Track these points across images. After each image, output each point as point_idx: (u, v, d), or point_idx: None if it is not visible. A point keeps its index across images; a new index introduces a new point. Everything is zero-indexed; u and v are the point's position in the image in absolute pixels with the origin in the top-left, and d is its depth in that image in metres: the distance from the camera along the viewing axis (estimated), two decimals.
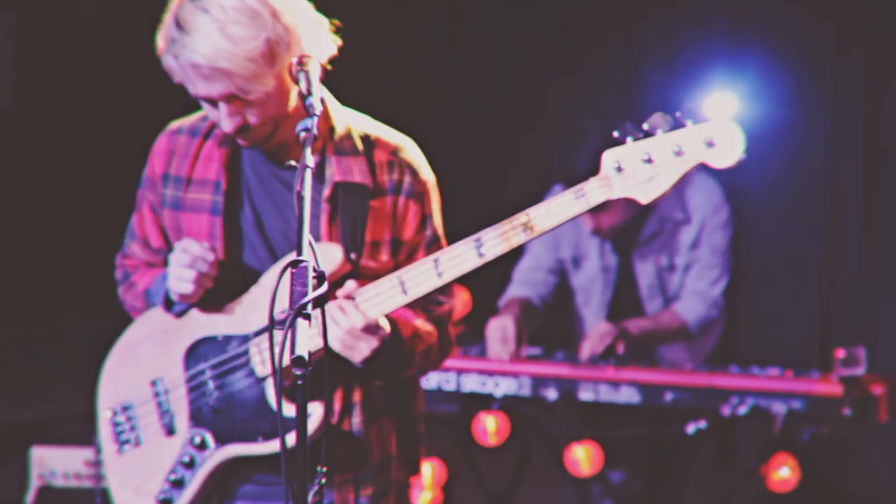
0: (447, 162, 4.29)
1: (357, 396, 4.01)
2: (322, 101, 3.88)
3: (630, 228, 6.57)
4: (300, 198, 3.27)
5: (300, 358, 2.93)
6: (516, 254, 6.87)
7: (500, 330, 6.38)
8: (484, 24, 8.01)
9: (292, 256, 3.68)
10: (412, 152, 4.07)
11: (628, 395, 6.12)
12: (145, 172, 4.18)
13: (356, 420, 4.01)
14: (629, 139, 3.72)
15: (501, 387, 6.26)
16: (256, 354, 3.98)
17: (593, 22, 7.79)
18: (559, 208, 3.75)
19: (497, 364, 6.30)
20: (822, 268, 7.50)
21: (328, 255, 3.86)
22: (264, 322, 3.95)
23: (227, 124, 3.79)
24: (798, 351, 7.16)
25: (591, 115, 7.06)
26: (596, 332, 6.34)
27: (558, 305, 6.90)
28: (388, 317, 3.91)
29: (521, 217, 3.75)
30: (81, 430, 5.82)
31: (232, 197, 4.02)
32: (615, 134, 3.75)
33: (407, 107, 7.96)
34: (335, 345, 3.83)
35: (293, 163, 3.41)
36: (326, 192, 3.93)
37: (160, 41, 3.80)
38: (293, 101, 3.87)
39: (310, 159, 3.36)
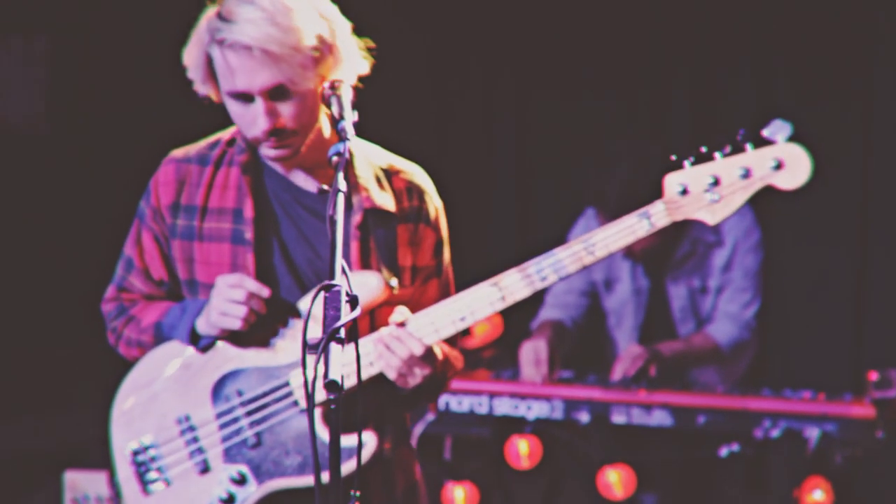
0: (474, 188, 4.28)
1: (388, 421, 4.01)
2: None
3: (662, 251, 6.58)
4: (333, 222, 3.27)
5: (334, 382, 2.94)
6: None
7: (533, 353, 6.38)
8: (508, 50, 8.02)
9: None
10: (424, 179, 4.10)
11: (661, 419, 6.11)
12: (146, 203, 4.10)
13: (387, 446, 4.00)
14: (686, 163, 3.76)
15: (534, 410, 6.26)
16: (299, 387, 3.91)
17: (621, 46, 7.79)
18: (624, 231, 3.79)
19: (529, 387, 6.30)
20: (854, 290, 7.47)
21: (367, 284, 3.84)
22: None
23: (263, 122, 3.75)
24: (831, 374, 7.14)
25: (620, 138, 7.08)
26: (628, 354, 6.34)
27: (591, 328, 6.91)
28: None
29: (587, 241, 3.80)
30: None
31: (258, 225, 3.97)
32: (673, 157, 3.78)
33: (436, 134, 8.01)
34: (390, 373, 3.83)
35: (325, 187, 3.42)
36: (357, 218, 3.92)
37: (194, 38, 3.81)
38: (320, 119, 3.90)
39: (342, 183, 3.37)
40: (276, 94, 3.75)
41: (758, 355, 6.91)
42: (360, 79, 3.90)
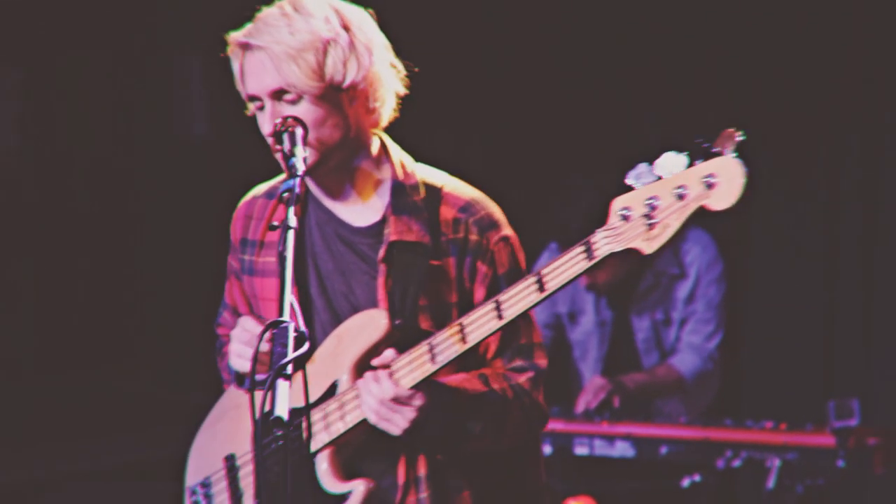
0: None
1: (423, 470, 3.79)
2: (384, 153, 3.88)
3: (625, 284, 6.63)
4: (282, 258, 3.28)
5: (279, 419, 2.97)
6: None
7: None
8: (473, 84, 8.06)
9: (345, 322, 3.75)
10: (486, 208, 3.90)
11: (623, 450, 6.15)
12: (230, 239, 4.09)
13: (423, 496, 3.77)
14: (640, 184, 3.38)
15: None
16: (304, 428, 3.72)
17: (585, 78, 7.85)
18: (568, 264, 3.48)
19: None
20: (816, 322, 7.52)
21: (373, 322, 3.73)
22: (315, 394, 3.72)
23: (267, 126, 3.71)
24: (800, 405, 7.18)
25: (583, 171, 7.13)
26: (591, 386, 6.38)
27: (555, 360, 6.93)
28: (442, 385, 3.70)
29: (534, 277, 3.51)
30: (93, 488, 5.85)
31: (298, 259, 3.85)
32: (627, 180, 3.41)
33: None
34: (370, 416, 3.65)
35: (276, 223, 3.41)
36: (381, 252, 3.79)
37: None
38: (354, 134, 3.80)
39: (293, 220, 3.36)
40: (285, 96, 3.70)
41: (727, 386, 6.96)
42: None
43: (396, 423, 3.63)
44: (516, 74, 7.96)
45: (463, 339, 3.60)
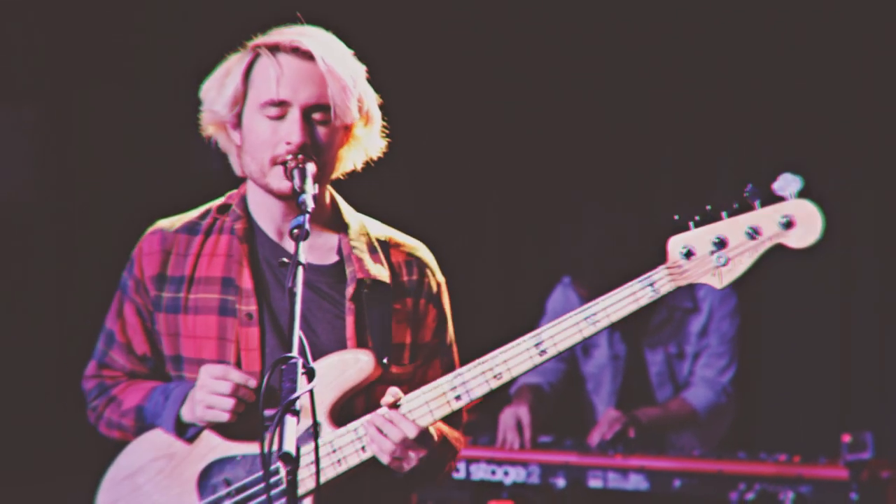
0: (457, 261, 4.26)
1: None
2: (333, 199, 3.93)
3: (639, 317, 6.62)
4: (292, 294, 3.27)
5: (288, 455, 2.98)
6: None
7: (514, 418, 6.42)
8: (484, 118, 8.09)
9: (319, 362, 3.69)
10: (427, 254, 4.00)
11: (637, 482, 6.14)
12: (128, 274, 3.95)
13: None
14: (691, 224, 3.56)
15: (511, 475, 6.30)
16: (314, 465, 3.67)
17: (599, 111, 7.87)
18: (627, 299, 3.57)
19: (506, 452, 6.33)
20: (831, 356, 7.52)
21: (358, 362, 3.72)
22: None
23: (297, 134, 3.67)
24: (814, 438, 7.17)
25: (592, 204, 7.15)
26: (606, 419, 6.38)
27: (568, 393, 6.95)
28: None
29: (588, 311, 3.59)
30: None
31: (261, 295, 3.83)
32: (675, 217, 3.57)
33: (417, 209, 8.05)
34: (383, 457, 3.66)
35: (286, 260, 3.41)
36: (350, 290, 3.81)
37: (231, 59, 3.81)
38: (335, 172, 3.86)
39: (302, 255, 3.35)
40: (315, 113, 3.71)
41: (742, 419, 6.96)
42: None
43: (409, 461, 3.68)
44: (525, 111, 7.99)
45: (496, 377, 3.66)
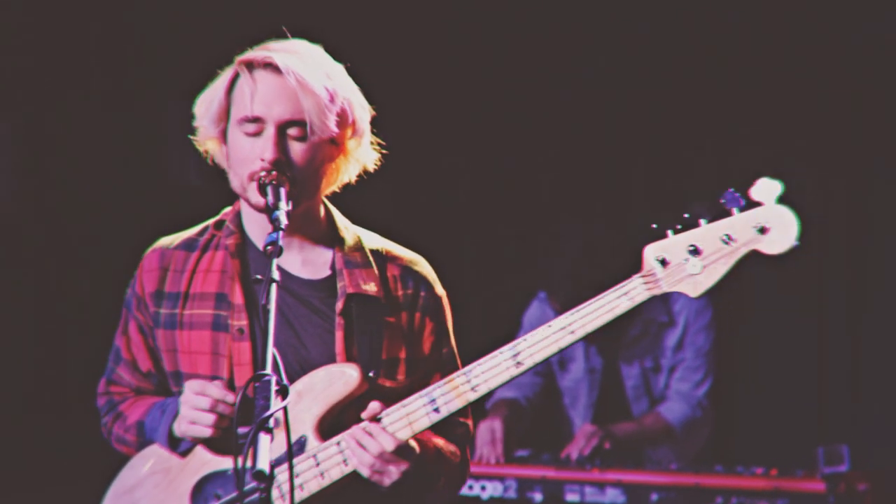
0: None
1: None
2: (328, 213, 3.92)
3: (614, 331, 6.63)
4: (265, 311, 3.26)
5: (261, 472, 2.96)
6: None
7: (489, 433, 6.41)
8: (458, 132, 8.09)
9: (304, 378, 3.71)
10: (425, 267, 3.98)
11: (614, 496, 6.14)
12: (131, 292, 3.98)
13: None
14: (669, 232, 3.52)
15: (488, 489, 6.29)
16: (275, 488, 3.68)
17: (574, 127, 7.88)
18: (603, 309, 3.55)
19: (483, 467, 6.32)
20: (807, 370, 7.54)
21: (344, 376, 3.71)
22: (277, 451, 3.60)
23: (270, 151, 3.65)
24: (791, 451, 7.18)
25: (567, 219, 7.16)
26: (582, 434, 6.38)
27: (545, 407, 6.94)
28: (419, 437, 3.74)
29: (564, 321, 3.58)
30: None
31: (252, 311, 3.83)
32: (654, 226, 3.55)
33: (393, 222, 8.03)
34: (363, 470, 3.65)
35: (259, 277, 3.38)
36: (339, 305, 3.80)
37: (220, 77, 3.78)
38: (324, 188, 3.83)
39: (275, 273, 3.33)
40: (291, 129, 3.69)
41: (713, 433, 6.96)
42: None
43: (391, 475, 3.66)
44: (501, 126, 7.99)
45: (473, 389, 3.65)
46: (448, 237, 8.10)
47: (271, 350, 3.20)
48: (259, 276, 3.39)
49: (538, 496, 6.23)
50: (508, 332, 6.83)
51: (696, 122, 7.72)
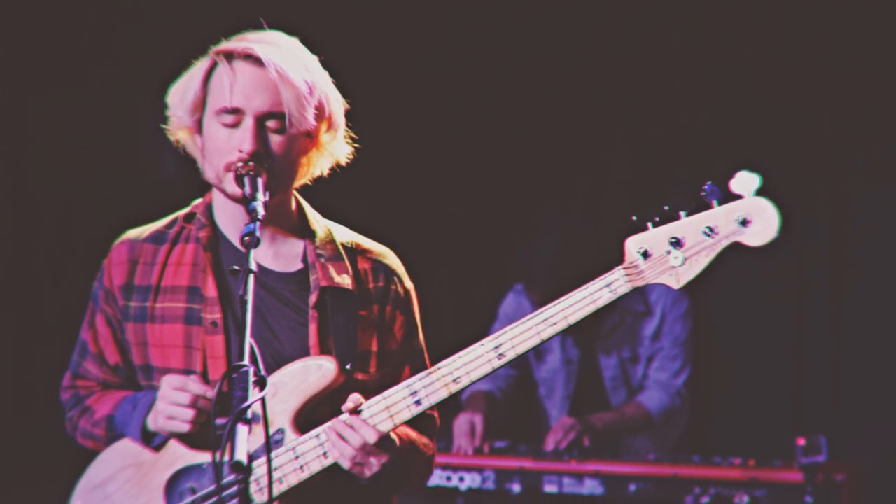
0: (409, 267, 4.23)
1: None
2: (299, 205, 3.91)
3: (592, 322, 6.63)
4: (243, 302, 3.25)
5: (239, 463, 2.96)
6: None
7: (468, 425, 6.41)
8: (435, 126, 8.09)
9: (280, 371, 3.69)
10: (394, 260, 3.99)
11: (592, 487, 6.14)
12: (98, 284, 3.95)
13: None
14: (649, 224, 3.54)
15: (466, 480, 6.28)
16: (253, 481, 3.68)
17: (553, 117, 7.88)
18: (584, 301, 3.56)
19: (461, 458, 6.32)
20: (786, 360, 7.56)
21: (321, 369, 3.70)
22: (255, 444, 3.63)
23: (248, 142, 3.64)
24: (768, 441, 7.20)
25: (545, 211, 7.16)
26: (560, 426, 6.38)
27: (522, 398, 6.95)
28: (397, 430, 3.74)
29: (546, 313, 3.59)
30: None
31: (226, 302, 3.81)
32: (633, 218, 3.55)
33: (369, 214, 8.01)
34: (344, 462, 3.65)
35: (237, 268, 3.37)
36: (313, 298, 3.80)
37: (194, 66, 3.76)
38: (298, 180, 3.83)
39: (253, 264, 3.33)
40: (270, 121, 3.68)
41: (691, 423, 6.97)
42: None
43: (370, 467, 3.67)
44: (478, 118, 7.98)
45: (455, 381, 3.65)
46: (424, 228, 8.10)
47: (249, 341, 3.19)
48: (237, 267, 3.38)
49: (516, 487, 6.23)
50: (484, 323, 6.85)
51: (674, 114, 7.73)
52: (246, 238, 3.42)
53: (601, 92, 7.74)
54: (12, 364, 7.34)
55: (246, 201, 3.57)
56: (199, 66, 3.76)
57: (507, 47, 7.83)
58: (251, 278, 3.31)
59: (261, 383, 3.14)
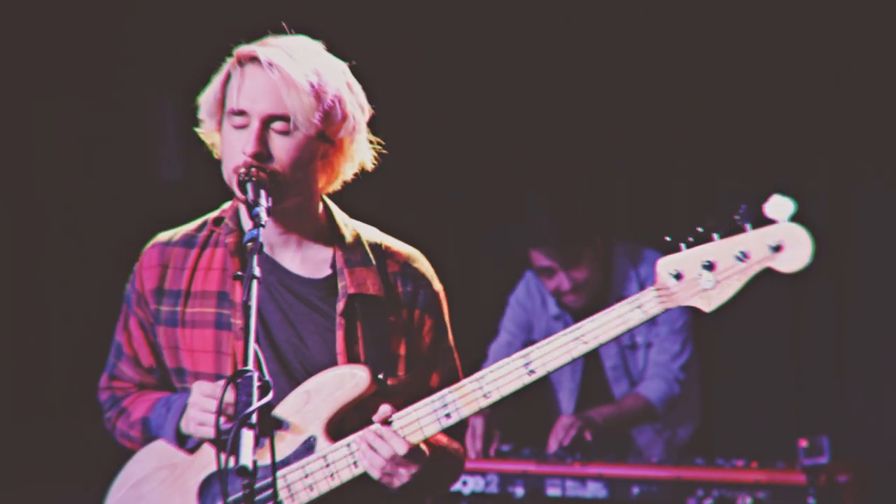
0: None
1: None
2: (327, 209, 3.92)
3: (590, 309, 6.63)
4: (247, 308, 3.27)
5: (244, 468, 2.97)
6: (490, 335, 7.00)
7: (469, 428, 6.42)
8: (440, 123, 8.10)
9: (313, 379, 3.73)
10: (423, 263, 4.00)
11: (595, 490, 6.14)
12: (131, 288, 4.00)
13: None
14: (682, 245, 3.56)
15: (469, 484, 6.28)
16: (283, 487, 3.74)
17: (560, 114, 7.89)
18: (616, 321, 3.61)
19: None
20: (787, 361, 7.56)
21: (354, 378, 3.74)
22: (286, 451, 3.73)
23: (251, 145, 3.66)
24: (771, 443, 7.20)
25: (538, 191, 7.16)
26: (560, 425, 6.38)
27: (529, 392, 6.95)
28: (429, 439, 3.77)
29: (577, 331, 3.62)
30: None
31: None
32: (667, 239, 3.58)
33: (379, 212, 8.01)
34: (374, 473, 3.69)
35: (240, 273, 3.39)
36: (340, 305, 3.82)
37: (220, 71, 3.79)
38: (316, 186, 3.83)
39: (256, 269, 3.35)
40: (275, 124, 3.69)
41: (701, 426, 6.99)
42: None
43: (399, 477, 3.70)
44: (483, 114, 7.99)
45: (485, 396, 3.68)
46: (430, 223, 8.11)
47: (252, 346, 3.23)
48: (240, 273, 3.42)
49: (519, 491, 6.23)
50: (494, 316, 6.89)
51: (682, 119, 7.74)
52: (249, 244, 3.44)
53: (613, 96, 7.77)
54: (52, 366, 7.37)
55: (249, 207, 3.59)
56: (222, 70, 3.81)
57: (508, 39, 7.84)
58: (255, 284, 3.33)
59: (265, 388, 3.15)
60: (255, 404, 3.08)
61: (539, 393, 7.01)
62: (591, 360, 6.81)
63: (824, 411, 7.40)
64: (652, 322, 6.65)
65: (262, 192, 3.61)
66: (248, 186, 3.63)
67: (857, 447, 6.77)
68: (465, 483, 6.28)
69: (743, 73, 7.50)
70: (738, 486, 6.02)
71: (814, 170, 7.49)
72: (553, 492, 6.20)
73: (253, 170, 3.65)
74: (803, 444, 5.93)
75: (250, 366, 3.17)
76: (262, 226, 3.51)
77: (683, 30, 7.56)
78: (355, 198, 4.07)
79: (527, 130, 7.93)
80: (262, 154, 3.67)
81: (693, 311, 6.58)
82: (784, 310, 7.59)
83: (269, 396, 3.13)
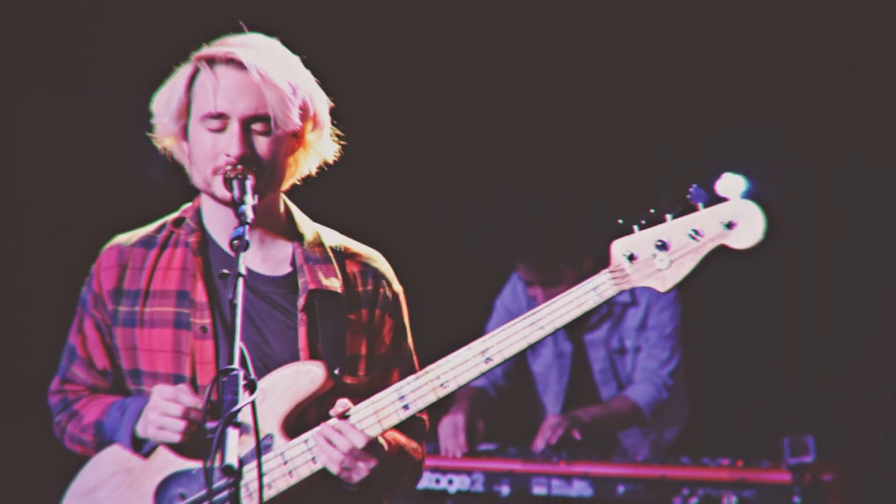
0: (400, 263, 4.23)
1: None
2: (287, 208, 3.91)
3: (571, 323, 6.63)
4: (233, 306, 3.26)
5: (229, 467, 2.96)
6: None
7: (451, 426, 6.41)
8: (424, 117, 8.09)
9: (268, 376, 3.69)
10: (383, 264, 3.99)
11: (581, 489, 6.14)
12: (87, 289, 3.96)
13: None
14: (635, 227, 3.54)
15: (455, 483, 6.28)
16: (242, 486, 3.61)
17: (543, 113, 7.89)
18: (570, 305, 3.57)
19: (450, 460, 6.32)
20: (773, 361, 7.58)
21: (310, 374, 3.71)
22: (243, 451, 3.51)
23: (236, 146, 3.65)
24: (756, 442, 7.22)
25: (538, 196, 7.17)
26: (548, 425, 6.38)
27: (519, 393, 6.96)
28: (387, 434, 3.75)
29: (533, 316, 3.60)
30: None
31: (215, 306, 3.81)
32: (619, 221, 3.56)
33: (360, 211, 8.01)
34: (333, 467, 3.65)
35: (226, 271, 3.38)
36: (301, 301, 3.80)
37: (177, 73, 3.76)
38: (285, 180, 3.83)
39: (242, 267, 3.34)
40: (255, 124, 3.68)
41: (688, 425, 7.00)
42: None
43: (360, 471, 3.67)
44: (466, 109, 7.99)
45: (442, 385, 3.65)
46: (414, 222, 8.12)
47: (239, 345, 3.20)
48: (226, 271, 3.39)
49: (505, 489, 6.23)
50: (480, 319, 6.88)
51: (663, 112, 7.75)
52: (235, 241, 3.43)
53: (592, 82, 7.77)
54: (4, 369, 7.33)
55: (235, 205, 3.58)
56: (182, 73, 3.77)
57: (494, 33, 7.85)
58: (240, 282, 3.32)
59: (251, 387, 3.14)
60: (241, 403, 3.06)
61: (525, 394, 7.00)
62: (578, 364, 6.81)
63: (809, 411, 7.42)
64: (641, 327, 6.68)
65: (249, 190, 3.60)
66: (235, 184, 3.62)
67: (842, 446, 6.79)
68: (450, 482, 6.28)
69: (741, 82, 7.52)
70: (723, 485, 6.02)
71: (800, 166, 7.50)
72: (539, 490, 6.20)
73: (239, 167, 3.64)
74: (788, 442, 5.95)
75: (236, 364, 3.14)
76: (249, 223, 3.49)
77: (679, 34, 7.58)
78: (339, 200, 4.07)
79: (527, 131, 7.94)
80: (247, 155, 3.67)
81: (683, 318, 6.71)
82: (770, 310, 7.61)
83: (256, 395, 3.12)
